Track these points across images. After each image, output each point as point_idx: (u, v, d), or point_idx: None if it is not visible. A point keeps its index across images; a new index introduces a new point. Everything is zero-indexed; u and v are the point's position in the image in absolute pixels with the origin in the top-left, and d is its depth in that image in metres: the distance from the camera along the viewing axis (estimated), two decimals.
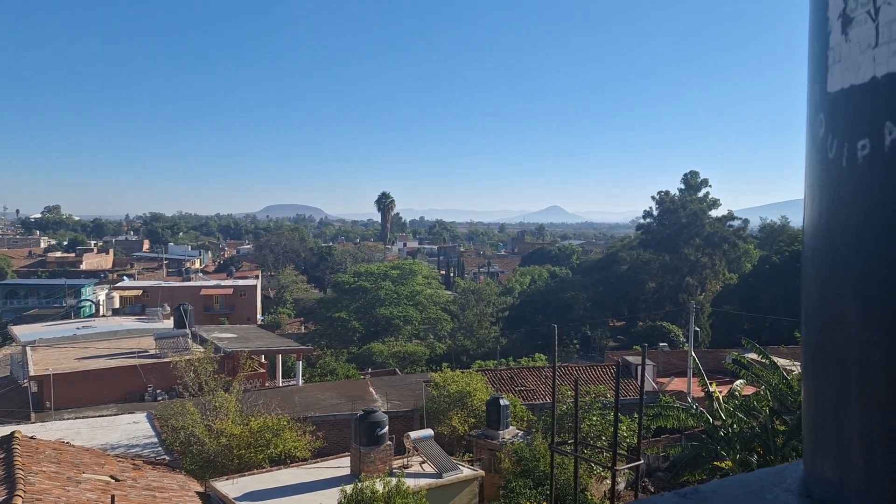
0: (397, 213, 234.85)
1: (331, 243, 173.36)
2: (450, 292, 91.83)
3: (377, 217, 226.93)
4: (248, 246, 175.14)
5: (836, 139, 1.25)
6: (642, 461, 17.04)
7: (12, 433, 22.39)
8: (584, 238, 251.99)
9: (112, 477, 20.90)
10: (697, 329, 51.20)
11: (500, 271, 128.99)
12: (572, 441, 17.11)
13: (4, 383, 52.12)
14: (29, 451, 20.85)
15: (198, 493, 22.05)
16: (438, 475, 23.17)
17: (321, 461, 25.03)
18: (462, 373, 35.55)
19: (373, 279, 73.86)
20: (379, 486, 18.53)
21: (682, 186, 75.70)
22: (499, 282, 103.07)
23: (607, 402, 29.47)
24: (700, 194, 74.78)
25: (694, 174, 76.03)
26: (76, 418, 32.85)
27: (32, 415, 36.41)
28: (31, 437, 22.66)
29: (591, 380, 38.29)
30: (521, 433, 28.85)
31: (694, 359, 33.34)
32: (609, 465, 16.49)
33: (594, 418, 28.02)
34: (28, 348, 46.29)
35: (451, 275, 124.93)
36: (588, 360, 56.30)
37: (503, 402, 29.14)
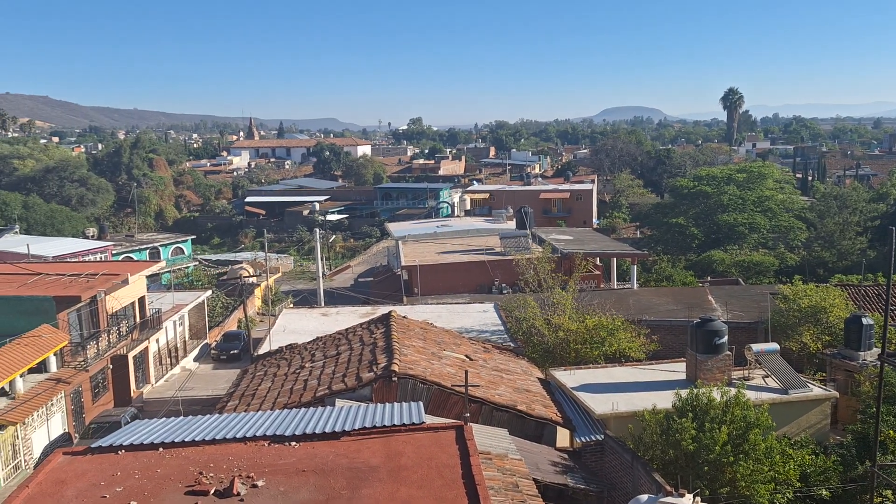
0: (746, 111, 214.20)
1: (669, 146, 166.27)
2: (806, 198, 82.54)
3: (722, 116, 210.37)
4: (585, 150, 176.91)
5: None
6: None
7: (390, 312, 26.69)
8: None
9: (466, 356, 23.78)
10: None
11: (871, 174, 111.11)
12: None
13: (383, 270, 61.91)
14: (402, 328, 24.70)
15: (539, 378, 24.00)
16: (783, 391, 21.72)
17: (655, 363, 25.18)
18: (817, 287, 32.12)
19: (715, 183, 69.43)
20: (716, 395, 18.08)
21: None
22: (869, 186, 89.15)
23: None
24: None
25: None
26: (437, 304, 37.71)
27: (404, 298, 42.77)
28: (404, 317, 26.74)
29: None
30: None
31: None
32: None
33: None
34: (400, 242, 53.92)
35: (809, 178, 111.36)
36: None
37: (866, 320, 25.79)
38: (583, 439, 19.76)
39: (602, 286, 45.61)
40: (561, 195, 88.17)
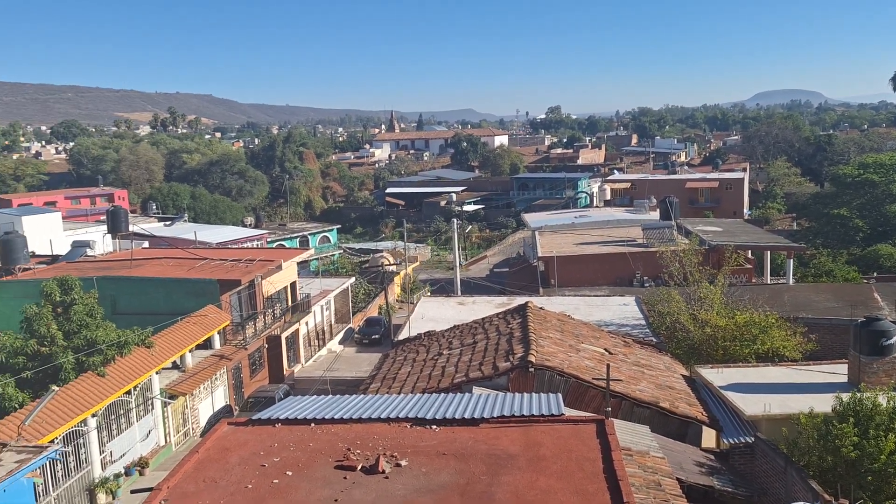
0: None
1: (830, 131, 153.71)
2: None
3: (892, 98, 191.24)
4: (736, 137, 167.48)
5: None
6: None
7: (526, 303, 26.65)
8: None
9: (605, 349, 23.31)
10: None
11: None
12: None
13: (518, 261, 61.94)
14: (539, 319, 24.61)
15: (683, 375, 23.11)
16: None
17: (812, 364, 23.45)
18: None
19: (883, 171, 63.76)
20: (882, 400, 16.59)
21: None
22: None
23: None
24: None
25: None
26: (574, 296, 37.15)
27: (540, 289, 42.54)
28: (541, 308, 26.62)
29: None
30: None
31: None
32: None
33: None
34: (537, 233, 53.67)
35: None
36: None
37: None
38: (730, 441, 18.82)
39: (754, 281, 43.10)
40: (709, 184, 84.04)
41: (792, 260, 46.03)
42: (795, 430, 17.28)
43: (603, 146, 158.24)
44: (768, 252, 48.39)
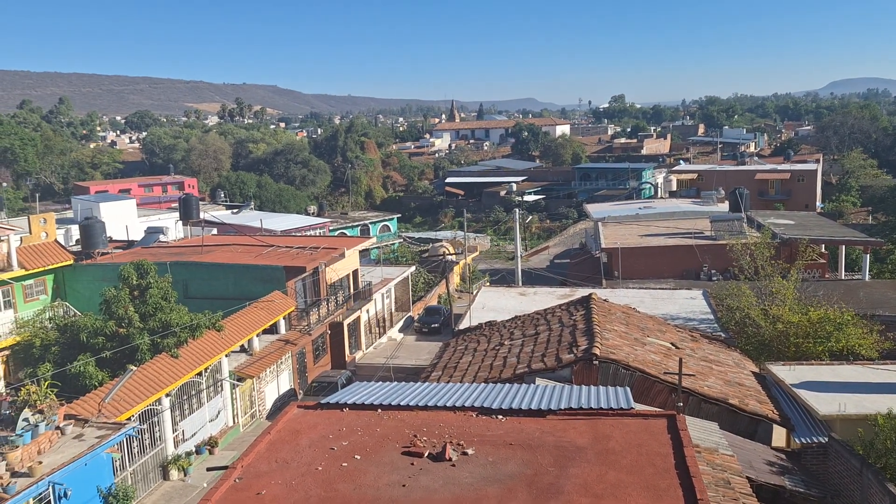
0: None
1: None
2: None
3: None
4: (808, 127, 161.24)
5: None
6: None
7: (590, 295, 26.30)
8: None
9: (672, 344, 22.84)
10: None
11: None
12: None
13: (580, 252, 61.15)
14: (603, 311, 24.27)
15: (753, 372, 22.46)
16: None
17: (890, 364, 22.45)
18: None
19: None
20: None
21: None
22: None
23: None
24: None
25: None
26: (639, 288, 36.52)
27: (603, 281, 41.95)
28: (605, 300, 26.23)
29: None
30: None
31: None
32: None
33: None
34: (599, 224, 52.89)
35: None
36: None
37: None
38: (802, 440, 18.22)
39: (828, 276, 41.51)
40: (780, 176, 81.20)
41: (868, 255, 44.12)
42: (872, 431, 16.66)
43: (668, 136, 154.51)
44: (843, 247, 46.52)
